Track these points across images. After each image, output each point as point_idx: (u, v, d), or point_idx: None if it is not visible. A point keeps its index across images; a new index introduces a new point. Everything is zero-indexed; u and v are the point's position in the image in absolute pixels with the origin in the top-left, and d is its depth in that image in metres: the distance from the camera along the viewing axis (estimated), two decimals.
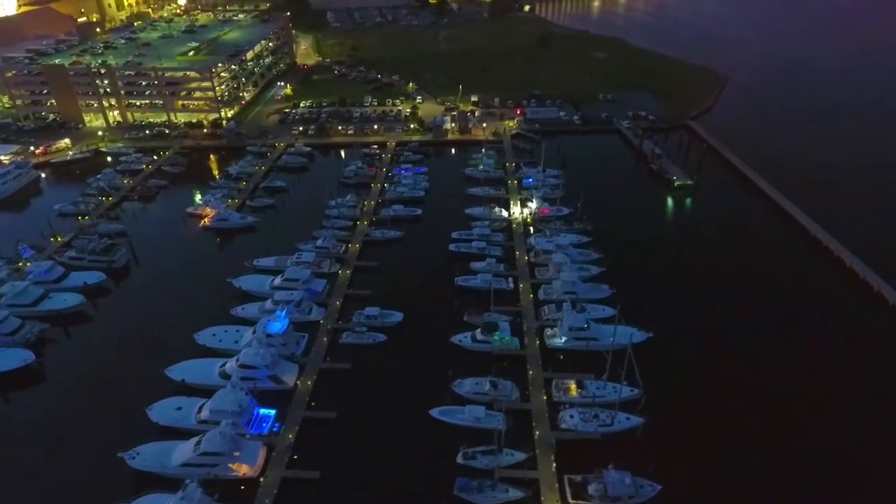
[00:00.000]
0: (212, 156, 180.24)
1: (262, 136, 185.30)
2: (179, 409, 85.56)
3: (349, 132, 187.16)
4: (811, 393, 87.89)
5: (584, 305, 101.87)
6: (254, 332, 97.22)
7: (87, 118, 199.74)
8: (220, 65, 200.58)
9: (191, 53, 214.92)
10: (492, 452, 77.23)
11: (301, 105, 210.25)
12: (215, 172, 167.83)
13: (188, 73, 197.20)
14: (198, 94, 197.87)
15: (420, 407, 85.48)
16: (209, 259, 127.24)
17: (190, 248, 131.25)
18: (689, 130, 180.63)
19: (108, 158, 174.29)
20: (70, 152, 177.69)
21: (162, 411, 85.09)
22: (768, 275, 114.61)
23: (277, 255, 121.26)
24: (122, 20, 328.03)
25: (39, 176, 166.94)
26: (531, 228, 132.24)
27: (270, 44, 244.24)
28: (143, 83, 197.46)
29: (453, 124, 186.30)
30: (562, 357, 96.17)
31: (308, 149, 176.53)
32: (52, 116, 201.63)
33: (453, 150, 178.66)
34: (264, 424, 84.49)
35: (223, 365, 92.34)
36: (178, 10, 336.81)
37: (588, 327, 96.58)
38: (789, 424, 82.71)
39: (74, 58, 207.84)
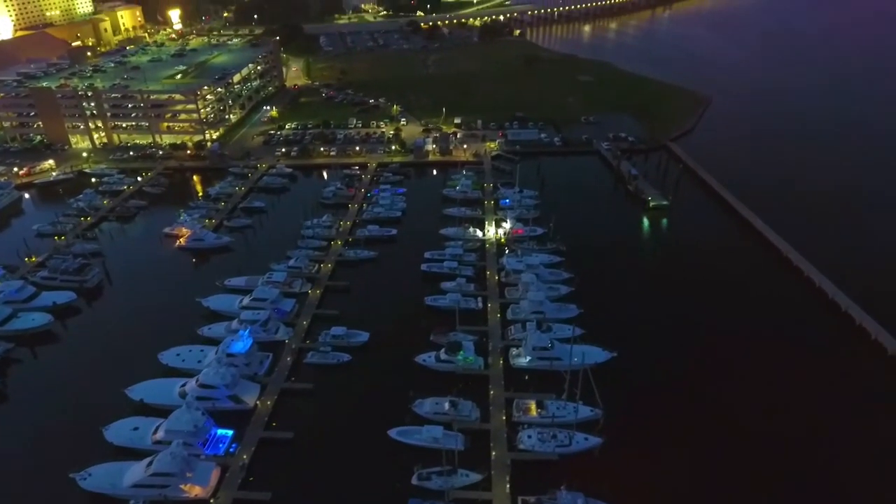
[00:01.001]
0: (194, 177, 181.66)
1: (244, 157, 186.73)
2: (136, 429, 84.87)
3: (331, 153, 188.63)
4: (776, 413, 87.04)
5: (549, 325, 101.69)
6: (217, 352, 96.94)
7: (73, 140, 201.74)
8: (205, 87, 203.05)
9: (178, 76, 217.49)
10: (446, 473, 76.49)
11: (286, 127, 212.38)
12: (196, 193, 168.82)
13: (173, 95, 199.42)
14: (183, 116, 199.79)
15: (379, 427, 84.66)
16: (182, 279, 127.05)
17: (164, 267, 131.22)
18: (669, 151, 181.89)
19: (93, 179, 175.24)
20: (53, 173, 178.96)
21: (118, 431, 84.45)
22: (738, 295, 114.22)
23: (250, 274, 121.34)
24: (115, 44, 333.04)
25: (21, 196, 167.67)
26: (506, 248, 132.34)
27: (259, 67, 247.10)
28: (129, 105, 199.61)
29: (434, 146, 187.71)
30: (526, 377, 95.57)
31: (290, 170, 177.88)
32: (38, 138, 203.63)
33: (434, 171, 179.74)
34: (221, 445, 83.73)
35: (183, 385, 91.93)
36: (173, 35, 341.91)
37: (552, 347, 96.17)
38: (750, 445, 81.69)
39: (62, 80, 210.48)
